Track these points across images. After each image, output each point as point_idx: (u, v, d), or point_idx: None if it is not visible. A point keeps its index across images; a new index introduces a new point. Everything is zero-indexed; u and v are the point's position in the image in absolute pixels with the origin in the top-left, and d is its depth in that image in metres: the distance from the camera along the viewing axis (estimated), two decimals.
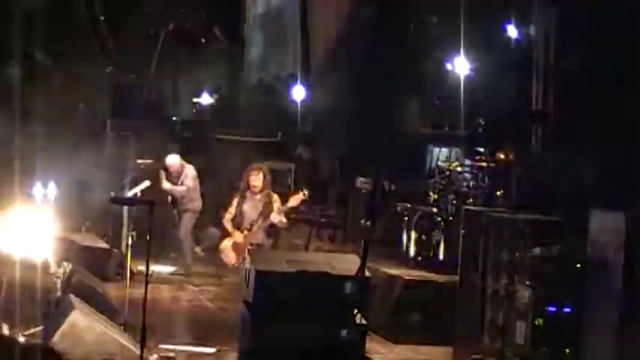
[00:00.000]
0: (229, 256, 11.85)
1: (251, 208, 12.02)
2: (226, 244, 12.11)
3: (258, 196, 11.93)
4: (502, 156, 12.57)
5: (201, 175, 14.69)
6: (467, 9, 14.78)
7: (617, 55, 11.34)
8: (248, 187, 12.07)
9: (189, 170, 14.31)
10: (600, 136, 10.48)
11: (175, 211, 14.32)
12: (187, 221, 14.23)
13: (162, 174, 14.08)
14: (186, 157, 14.75)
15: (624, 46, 11.10)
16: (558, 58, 12.78)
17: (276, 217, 11.59)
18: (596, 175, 10.16)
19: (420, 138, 16.57)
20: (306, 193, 11.60)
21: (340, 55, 17.96)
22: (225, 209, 12.45)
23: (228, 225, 12.18)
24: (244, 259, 9.75)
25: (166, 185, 14.01)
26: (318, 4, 18.40)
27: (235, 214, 12.11)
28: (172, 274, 14.05)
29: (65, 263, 10.36)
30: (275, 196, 11.94)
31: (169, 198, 14.21)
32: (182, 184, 14.14)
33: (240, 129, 18.62)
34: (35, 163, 13.37)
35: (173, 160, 14.27)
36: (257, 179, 11.97)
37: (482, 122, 13.18)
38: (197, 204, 14.31)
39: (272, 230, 11.92)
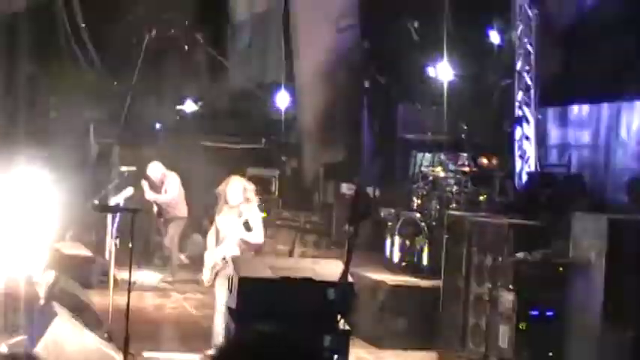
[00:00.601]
0: (204, 274, 10.77)
1: (225, 223, 10.37)
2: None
3: (236, 209, 10.03)
4: (485, 161, 12.62)
5: (185, 183, 14.67)
6: (449, 15, 14.83)
7: (598, 58, 11.42)
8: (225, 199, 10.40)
9: (172, 178, 14.28)
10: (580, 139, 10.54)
11: (162, 219, 14.29)
12: (173, 229, 14.20)
13: (145, 184, 14.03)
14: (170, 164, 14.72)
15: (605, 50, 11.18)
16: (540, 63, 12.85)
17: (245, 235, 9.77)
18: (578, 178, 10.23)
19: (404, 143, 16.60)
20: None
21: (323, 62, 17.97)
22: (211, 220, 11.56)
23: (209, 240, 10.39)
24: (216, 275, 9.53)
25: (150, 195, 13.96)
26: (302, 11, 18.41)
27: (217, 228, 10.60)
28: (161, 281, 14.04)
29: (48, 271, 10.33)
30: (253, 211, 9.88)
31: (154, 207, 14.18)
32: (165, 192, 14.10)
33: (223, 136, 18.60)
34: (18, 170, 13.31)
35: (154, 168, 14.23)
36: (230, 190, 9.98)
37: (465, 127, 13.23)
38: (183, 211, 14.28)
39: (254, 247, 10.04)
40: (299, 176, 17.85)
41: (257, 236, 9.57)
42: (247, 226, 9.48)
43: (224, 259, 9.41)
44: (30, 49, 16.41)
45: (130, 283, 8.65)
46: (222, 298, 9.18)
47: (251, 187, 9.85)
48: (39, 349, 7.83)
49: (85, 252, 13.57)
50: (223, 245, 9.49)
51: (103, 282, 12.34)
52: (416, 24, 16.02)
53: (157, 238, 15.58)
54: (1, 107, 16.47)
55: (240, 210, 9.50)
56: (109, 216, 13.40)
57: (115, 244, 9.89)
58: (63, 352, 7.87)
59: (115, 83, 18.70)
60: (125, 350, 8.12)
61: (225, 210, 9.73)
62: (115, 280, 10.00)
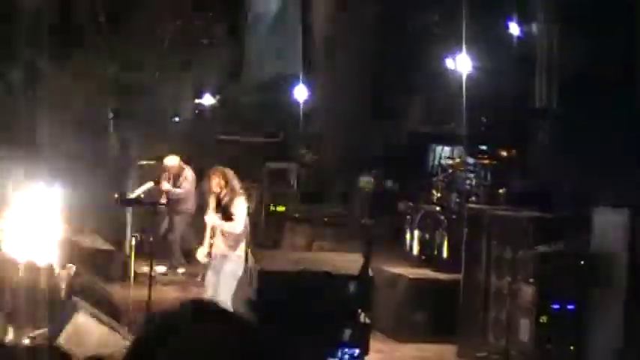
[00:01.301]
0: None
1: (208, 218, 10.03)
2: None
3: (221, 202, 9.75)
4: (505, 154, 12.56)
5: (202, 176, 14.67)
6: (468, 6, 14.77)
7: (620, 51, 11.33)
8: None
9: (189, 173, 14.24)
10: (604, 133, 10.47)
11: (168, 212, 14.10)
12: (179, 223, 14.10)
13: (165, 175, 14.06)
14: (188, 158, 14.73)
15: (627, 42, 11.09)
16: (561, 54, 12.77)
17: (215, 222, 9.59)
18: (599, 172, 10.15)
19: (423, 136, 16.57)
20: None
21: (342, 55, 17.95)
22: None
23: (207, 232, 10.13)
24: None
25: (166, 186, 13.93)
26: (320, 4, 18.38)
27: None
28: (163, 274, 13.97)
29: (69, 265, 10.38)
30: (235, 203, 9.60)
31: (163, 198, 13.98)
32: (180, 186, 14.05)
33: (241, 129, 18.61)
34: (38, 165, 13.36)
35: (172, 161, 14.21)
36: (213, 182, 9.81)
37: (485, 120, 13.18)
38: (190, 207, 14.11)
39: (236, 238, 9.55)
40: (318, 169, 17.85)
41: (235, 226, 9.38)
42: (229, 216, 9.44)
43: (208, 254, 9.47)
44: (51, 41, 16.47)
45: (150, 276, 8.69)
46: (210, 292, 9.29)
47: (234, 177, 9.71)
48: (60, 341, 7.87)
49: (105, 245, 13.61)
50: (205, 242, 9.58)
51: (123, 275, 12.39)
52: (436, 17, 15.97)
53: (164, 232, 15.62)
54: (22, 100, 16.53)
55: (221, 198, 9.51)
56: (129, 209, 13.45)
57: (135, 238, 9.92)
58: (84, 345, 7.91)
59: (135, 76, 18.73)
60: None
61: (210, 204, 9.73)
62: (135, 274, 10.04)
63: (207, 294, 9.32)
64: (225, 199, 9.52)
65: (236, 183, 9.65)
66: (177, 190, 13.99)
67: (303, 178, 17.05)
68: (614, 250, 8.87)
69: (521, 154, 12.57)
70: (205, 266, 9.70)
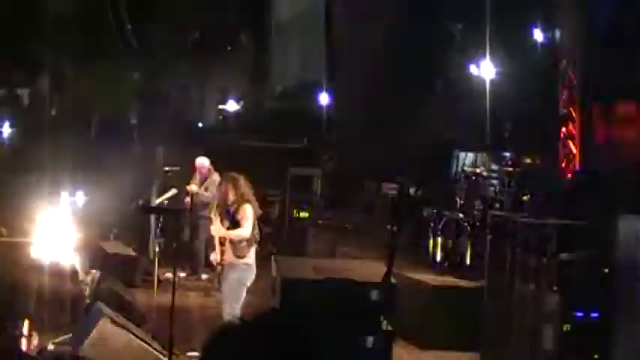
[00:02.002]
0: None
1: (214, 228, 9.89)
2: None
3: (230, 210, 9.61)
4: (529, 160, 12.52)
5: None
6: (492, 13, 14.75)
7: None
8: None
9: (216, 178, 14.15)
10: (628, 139, 10.41)
11: (192, 217, 13.87)
12: (203, 229, 13.84)
13: (195, 176, 13.97)
14: (212, 164, 14.75)
15: None
16: (585, 61, 12.72)
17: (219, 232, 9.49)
18: (623, 179, 10.10)
19: (446, 143, 16.55)
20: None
21: (365, 62, 17.97)
22: None
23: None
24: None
25: (193, 188, 13.65)
26: (343, 12, 18.41)
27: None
28: (207, 281, 13.92)
29: (93, 271, 10.45)
30: (242, 209, 9.43)
31: (187, 202, 13.62)
32: (206, 189, 13.92)
33: (265, 135, 18.66)
34: (64, 171, 13.47)
35: (202, 161, 14.12)
36: (225, 190, 9.63)
37: (509, 127, 13.14)
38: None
39: (244, 245, 9.40)
40: (341, 176, 17.86)
41: (241, 232, 9.29)
42: (237, 223, 9.34)
43: (219, 263, 9.45)
44: (75, 48, 16.61)
45: (174, 283, 8.73)
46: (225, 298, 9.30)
47: (245, 184, 9.55)
48: (85, 347, 7.92)
49: (129, 251, 13.68)
50: (216, 249, 9.52)
51: (147, 281, 12.45)
52: (459, 25, 15.96)
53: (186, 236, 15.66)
54: (48, 107, 16.68)
55: (229, 205, 9.39)
56: (153, 216, 13.48)
57: (159, 244, 9.97)
58: (109, 351, 7.95)
59: (160, 83, 18.85)
60: (169, 349, 8.19)
61: (216, 212, 9.62)
62: (159, 280, 10.09)
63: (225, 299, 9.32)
64: (234, 206, 9.41)
65: (247, 190, 9.52)
66: (205, 194, 13.79)
67: (327, 184, 17.06)
68: (638, 258, 8.81)
69: (544, 161, 12.51)
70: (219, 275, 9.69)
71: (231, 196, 9.41)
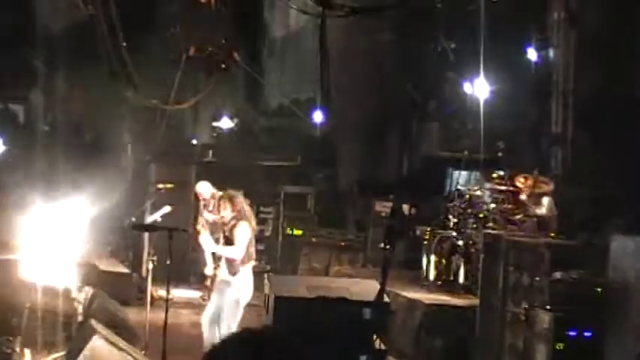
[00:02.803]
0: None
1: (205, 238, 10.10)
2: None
3: (225, 227, 9.66)
4: (522, 180, 12.53)
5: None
6: (486, 31, 14.80)
7: (636, 78, 11.33)
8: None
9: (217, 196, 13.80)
10: (620, 159, 10.45)
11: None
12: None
13: (201, 204, 13.45)
14: (206, 181, 14.68)
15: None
16: (578, 81, 12.77)
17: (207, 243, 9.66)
18: (616, 199, 10.14)
19: (440, 161, 16.56)
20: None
21: (358, 80, 18.01)
22: None
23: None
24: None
25: (208, 215, 13.10)
26: (336, 29, 18.46)
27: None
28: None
29: (86, 288, 10.43)
30: (238, 227, 9.39)
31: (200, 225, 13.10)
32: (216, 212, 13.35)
33: (259, 153, 18.66)
34: (57, 187, 13.45)
35: (204, 187, 13.50)
36: (222, 208, 9.68)
37: (502, 146, 13.16)
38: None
39: (238, 263, 9.33)
40: (335, 194, 17.86)
41: (234, 251, 9.19)
42: (231, 241, 9.30)
43: (211, 278, 9.49)
44: (69, 66, 16.62)
45: (167, 300, 8.72)
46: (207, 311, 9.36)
47: (242, 201, 9.53)
48: None
49: (123, 269, 13.65)
50: (208, 261, 9.61)
51: (140, 299, 12.42)
52: (452, 45, 15.99)
53: (193, 255, 15.61)
54: (41, 124, 16.67)
55: (226, 222, 9.39)
56: (146, 234, 13.43)
57: (152, 262, 9.96)
58: None
59: (153, 100, 18.85)
60: None
61: (203, 223, 9.91)
62: (152, 297, 10.07)
63: (205, 313, 9.34)
64: (232, 223, 9.33)
65: (245, 207, 9.48)
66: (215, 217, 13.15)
67: (320, 201, 17.06)
68: (630, 277, 8.83)
69: (537, 180, 12.51)
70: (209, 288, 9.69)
71: (229, 214, 9.38)
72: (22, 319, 9.05)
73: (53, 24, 16.53)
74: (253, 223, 9.51)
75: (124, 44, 17.23)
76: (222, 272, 9.32)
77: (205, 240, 9.56)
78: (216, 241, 9.62)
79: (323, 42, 19.48)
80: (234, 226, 9.32)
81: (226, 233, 9.38)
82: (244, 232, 9.24)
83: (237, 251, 9.19)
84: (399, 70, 17.62)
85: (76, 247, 11.35)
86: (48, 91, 16.36)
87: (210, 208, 12.99)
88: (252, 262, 9.38)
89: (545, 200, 12.04)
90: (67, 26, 16.65)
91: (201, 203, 13.25)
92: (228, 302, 9.12)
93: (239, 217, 9.32)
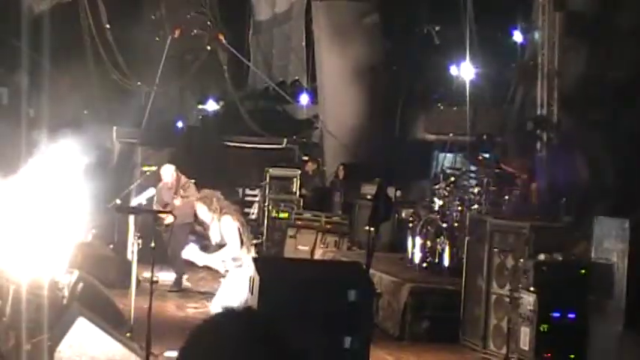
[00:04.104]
0: None
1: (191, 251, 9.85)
2: None
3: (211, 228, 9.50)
4: (507, 162, 12.57)
5: (207, 182, 14.57)
6: (473, 15, 14.80)
7: (622, 62, 11.35)
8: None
9: (184, 181, 13.65)
10: (604, 141, 10.50)
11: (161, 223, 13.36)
12: (178, 235, 13.43)
13: (163, 185, 13.38)
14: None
15: (629, 53, 11.12)
16: (563, 63, 12.78)
17: None
18: (600, 182, 10.19)
19: (426, 144, 16.59)
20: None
21: (344, 63, 17.98)
22: None
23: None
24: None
25: (166, 198, 13.09)
26: (322, 12, 18.41)
27: None
28: (169, 290, 13.67)
29: (71, 271, 10.40)
30: (222, 224, 9.26)
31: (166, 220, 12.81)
32: (178, 196, 13.33)
33: (245, 136, 18.63)
34: (42, 169, 13.37)
35: (166, 172, 13.38)
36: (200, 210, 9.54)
37: (488, 129, 13.18)
38: (187, 217, 12.89)
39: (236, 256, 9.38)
40: (320, 176, 17.87)
41: (229, 251, 9.04)
42: (221, 242, 9.05)
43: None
44: (54, 49, 16.52)
45: (152, 283, 8.71)
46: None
47: (219, 199, 9.30)
48: (62, 348, 7.89)
49: (107, 251, 13.62)
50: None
51: (125, 281, 12.40)
52: (437, 28, 16.00)
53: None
54: (26, 107, 16.60)
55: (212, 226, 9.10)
56: (131, 216, 13.37)
57: (137, 244, 9.93)
58: (86, 352, 7.93)
59: (138, 83, 18.79)
60: (147, 350, 8.17)
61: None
62: (137, 280, 10.05)
63: (215, 300, 9.23)
64: (215, 223, 9.10)
65: (223, 203, 9.25)
66: (176, 202, 13.30)
67: (306, 184, 17.06)
68: (613, 259, 8.89)
69: (522, 163, 12.55)
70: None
71: (208, 215, 9.23)
72: (7, 303, 9.02)
73: (36, 5, 16.43)
74: (236, 214, 9.33)
75: (108, 26, 17.14)
76: (229, 264, 9.18)
77: (193, 253, 9.35)
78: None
79: (309, 25, 19.46)
80: (219, 225, 9.09)
81: (215, 234, 9.16)
82: (230, 226, 9.06)
83: (230, 251, 9.03)
84: (385, 52, 17.61)
85: (61, 230, 11.31)
86: (32, 73, 16.27)
87: (174, 192, 12.91)
88: (252, 248, 9.28)
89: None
90: (50, 8, 16.55)
91: (164, 186, 13.12)
92: (238, 290, 8.93)
93: (219, 214, 9.11)
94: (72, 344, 7.93)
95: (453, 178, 12.82)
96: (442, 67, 15.96)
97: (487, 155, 12.74)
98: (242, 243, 9.09)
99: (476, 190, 12.37)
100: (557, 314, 9.09)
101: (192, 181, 13.75)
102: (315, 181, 17.40)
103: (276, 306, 7.48)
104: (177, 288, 13.55)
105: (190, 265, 14.99)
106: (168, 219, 12.38)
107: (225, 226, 9.09)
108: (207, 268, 15.00)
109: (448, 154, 14.70)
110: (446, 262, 12.07)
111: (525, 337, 9.22)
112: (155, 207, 12.70)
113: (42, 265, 9.86)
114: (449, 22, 16.00)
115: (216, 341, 2.13)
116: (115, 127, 17.53)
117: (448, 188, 12.73)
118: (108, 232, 14.84)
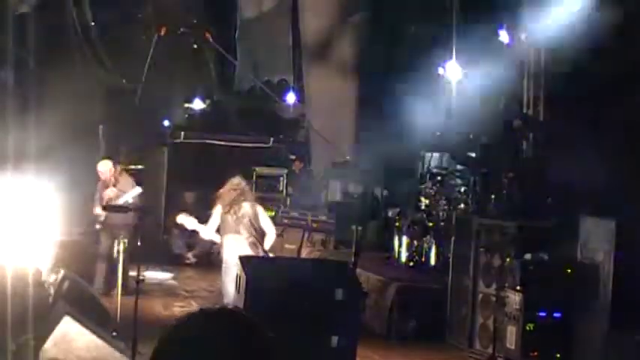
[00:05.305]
0: None
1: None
2: None
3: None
4: (493, 161, 12.57)
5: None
6: (459, 13, 14.81)
7: (609, 60, 11.38)
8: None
9: (124, 178, 13.19)
10: (590, 141, 10.52)
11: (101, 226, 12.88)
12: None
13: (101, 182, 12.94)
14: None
15: (616, 52, 11.15)
16: (549, 62, 12.80)
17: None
18: (586, 181, 10.20)
19: (412, 143, 16.56)
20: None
21: (331, 61, 17.97)
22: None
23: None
24: None
25: (109, 193, 12.68)
26: (310, 10, 18.40)
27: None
28: (171, 279, 13.65)
29: (57, 269, 10.36)
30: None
31: (98, 209, 12.64)
32: (118, 193, 12.70)
33: (232, 135, 18.60)
34: (28, 168, 13.32)
35: (103, 167, 12.97)
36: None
37: (473, 128, 13.19)
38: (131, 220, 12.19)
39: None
40: (307, 175, 17.85)
41: (270, 234, 9.85)
42: (256, 225, 9.66)
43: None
44: (38, 47, 16.42)
45: (138, 281, 8.69)
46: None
47: (246, 187, 10.30)
48: (48, 346, 7.85)
49: (93, 250, 13.57)
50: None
51: (111, 280, 12.35)
52: (425, 27, 16.01)
53: (164, 237, 15.59)
54: (10, 105, 16.49)
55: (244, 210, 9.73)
56: (117, 215, 13.33)
57: (123, 243, 9.90)
58: (72, 350, 7.89)
59: (124, 81, 18.72)
60: (133, 348, 8.15)
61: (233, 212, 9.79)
62: (123, 278, 10.03)
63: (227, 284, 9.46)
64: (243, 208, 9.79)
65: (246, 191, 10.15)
66: (109, 193, 12.74)
67: (292, 183, 17.05)
68: (599, 259, 8.92)
69: (509, 161, 12.56)
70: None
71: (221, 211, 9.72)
72: None
73: (21, 1, 16.35)
74: (224, 201, 9.80)
75: (93, 23, 17.05)
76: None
77: (185, 219, 9.86)
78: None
79: (296, 23, 19.43)
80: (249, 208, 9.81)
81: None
82: (215, 211, 9.77)
83: (203, 231, 9.78)
84: (372, 51, 17.61)
85: (47, 229, 11.27)
86: (17, 70, 16.18)
87: (111, 184, 12.72)
88: (231, 234, 9.52)
89: None
90: (35, 4, 16.46)
91: (102, 184, 12.87)
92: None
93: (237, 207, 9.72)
94: (58, 343, 7.89)
95: (439, 178, 12.84)
96: (430, 65, 15.96)
97: (473, 154, 12.75)
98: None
99: (462, 189, 12.39)
100: (543, 313, 9.12)
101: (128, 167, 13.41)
102: (302, 180, 17.39)
103: (263, 305, 7.48)
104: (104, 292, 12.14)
105: (178, 265, 15.02)
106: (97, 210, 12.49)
107: (261, 215, 9.85)
108: (192, 266, 15.09)
109: (435, 154, 14.67)
110: (432, 262, 12.09)
111: (511, 336, 9.25)
112: (96, 204, 12.63)
113: (27, 264, 9.82)
114: (437, 18, 16.00)
115: (192, 342, 2.11)
116: (100, 125, 17.46)
117: (434, 187, 12.75)
118: (94, 230, 14.77)
